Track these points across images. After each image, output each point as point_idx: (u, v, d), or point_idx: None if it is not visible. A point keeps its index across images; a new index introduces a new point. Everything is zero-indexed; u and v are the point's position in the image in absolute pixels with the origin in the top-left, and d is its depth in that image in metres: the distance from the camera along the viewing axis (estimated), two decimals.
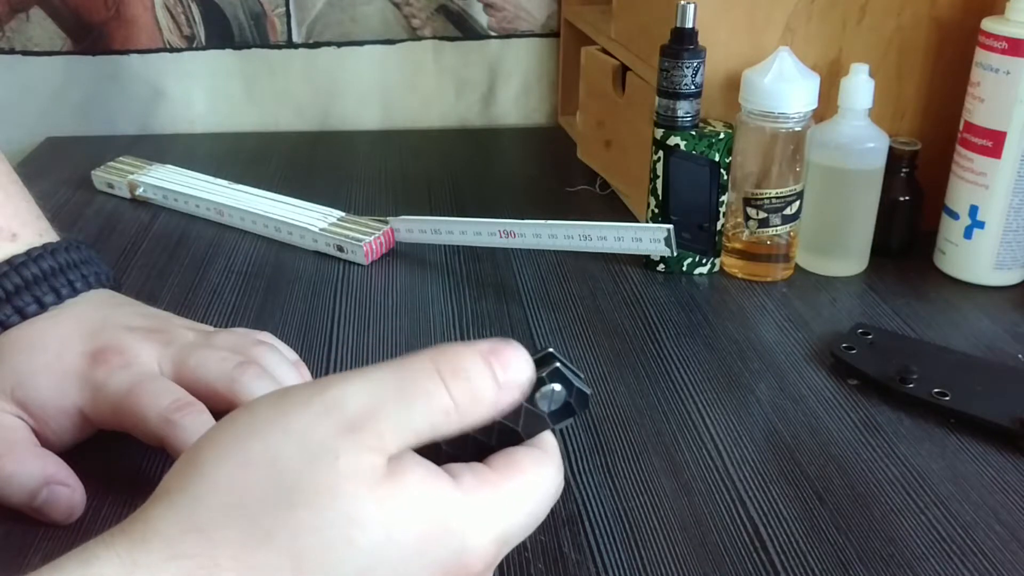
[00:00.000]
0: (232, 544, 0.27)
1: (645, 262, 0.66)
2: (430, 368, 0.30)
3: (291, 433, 0.28)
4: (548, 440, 0.33)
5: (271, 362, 0.46)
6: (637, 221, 0.71)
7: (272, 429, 0.28)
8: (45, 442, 0.43)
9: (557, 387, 0.32)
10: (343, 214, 0.71)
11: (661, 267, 0.66)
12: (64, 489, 0.41)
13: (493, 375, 0.30)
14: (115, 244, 0.70)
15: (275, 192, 0.74)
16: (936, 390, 0.50)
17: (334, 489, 0.27)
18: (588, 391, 0.33)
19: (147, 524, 0.27)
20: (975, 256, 0.64)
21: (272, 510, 0.27)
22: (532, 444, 0.32)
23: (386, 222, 0.69)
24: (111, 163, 0.81)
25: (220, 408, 0.43)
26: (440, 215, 0.73)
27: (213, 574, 0.26)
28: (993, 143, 0.61)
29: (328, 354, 0.56)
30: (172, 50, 0.93)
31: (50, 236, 0.50)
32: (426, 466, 0.29)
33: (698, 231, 0.64)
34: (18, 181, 0.52)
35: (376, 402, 0.29)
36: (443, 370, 0.30)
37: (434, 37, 0.96)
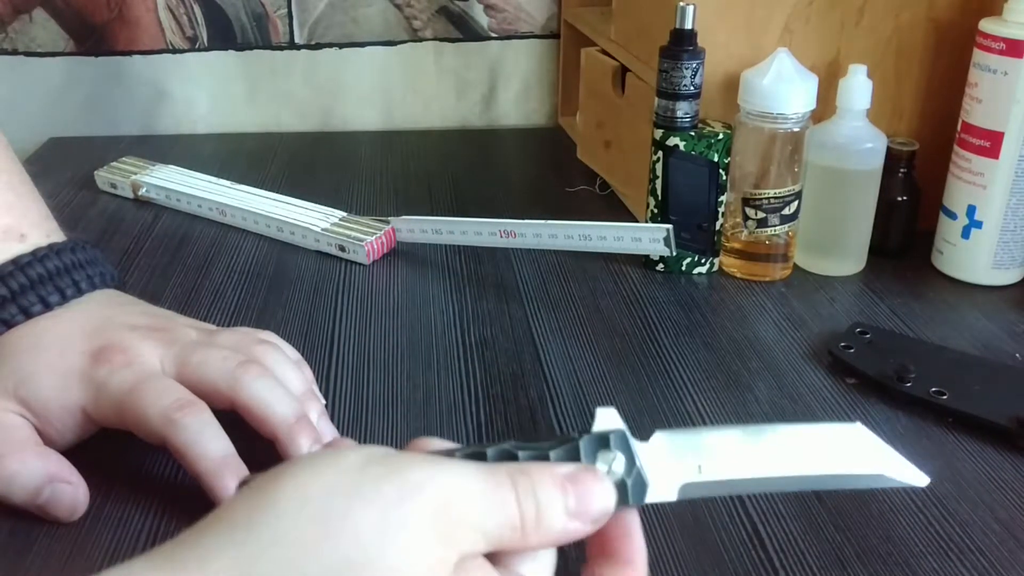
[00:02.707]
0: None
1: (645, 262, 0.67)
2: (507, 482, 0.30)
3: (374, 504, 0.28)
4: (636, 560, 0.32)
5: (273, 361, 0.46)
6: (637, 221, 0.72)
7: (357, 493, 0.28)
8: (48, 441, 0.43)
9: (620, 456, 0.32)
10: (345, 214, 0.71)
11: (660, 267, 0.66)
12: (67, 487, 0.42)
13: (565, 504, 0.30)
14: (118, 244, 0.70)
15: (277, 192, 0.75)
16: (934, 389, 0.50)
17: (401, 571, 0.27)
18: (647, 480, 0.32)
19: (198, 554, 0.27)
20: (973, 256, 0.64)
21: None
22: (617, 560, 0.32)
23: (387, 222, 0.69)
24: (114, 163, 0.81)
25: (222, 407, 0.43)
26: (441, 215, 0.73)
27: None
28: (991, 143, 0.61)
29: (330, 353, 0.56)
30: (175, 51, 0.93)
31: (57, 237, 0.50)
32: (489, 571, 0.29)
33: (697, 231, 0.64)
34: (28, 182, 0.52)
35: (457, 497, 0.29)
36: (519, 488, 0.30)
37: (435, 38, 0.96)
